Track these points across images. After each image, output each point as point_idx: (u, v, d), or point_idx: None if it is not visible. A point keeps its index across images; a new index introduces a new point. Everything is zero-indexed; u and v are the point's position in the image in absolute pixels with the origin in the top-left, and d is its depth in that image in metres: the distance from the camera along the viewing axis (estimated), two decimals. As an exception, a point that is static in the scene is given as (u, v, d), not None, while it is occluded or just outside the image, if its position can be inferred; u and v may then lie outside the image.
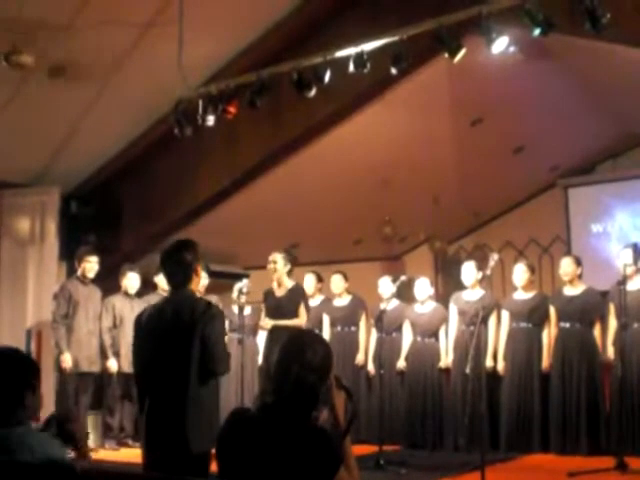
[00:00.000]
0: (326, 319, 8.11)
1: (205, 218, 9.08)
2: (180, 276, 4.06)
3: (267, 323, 7.21)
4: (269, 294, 7.40)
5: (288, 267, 7.31)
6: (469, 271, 7.48)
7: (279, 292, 7.31)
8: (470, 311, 7.29)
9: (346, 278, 8.17)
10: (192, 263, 4.04)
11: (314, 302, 8.13)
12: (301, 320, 7.18)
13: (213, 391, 3.96)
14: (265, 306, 7.38)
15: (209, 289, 8.09)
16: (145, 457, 3.96)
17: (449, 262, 11.72)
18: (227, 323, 8.12)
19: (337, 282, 8.13)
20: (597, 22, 5.24)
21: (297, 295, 7.27)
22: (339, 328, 8.07)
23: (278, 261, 7.25)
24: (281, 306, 7.23)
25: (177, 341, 3.88)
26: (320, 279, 8.20)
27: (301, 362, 2.52)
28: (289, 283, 7.31)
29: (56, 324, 7.62)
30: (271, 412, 2.52)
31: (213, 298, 8.03)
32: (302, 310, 7.23)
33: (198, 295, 4.14)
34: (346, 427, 2.56)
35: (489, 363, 7.15)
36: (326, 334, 8.05)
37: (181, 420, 3.80)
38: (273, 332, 7.11)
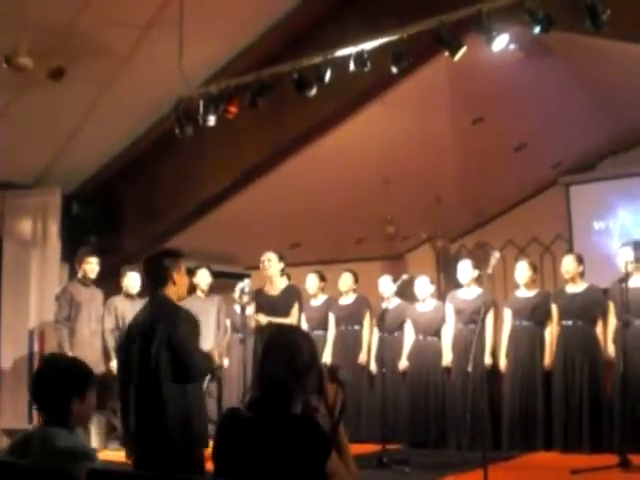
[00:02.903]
0: (332, 318, 8.11)
1: (207, 218, 9.09)
2: (154, 280, 4.21)
3: (262, 318, 7.24)
4: (260, 293, 7.44)
5: (281, 265, 7.36)
6: (465, 269, 7.48)
7: (272, 291, 7.36)
8: (468, 309, 7.30)
9: (356, 277, 8.14)
10: (168, 269, 4.16)
11: (317, 302, 8.14)
12: (292, 319, 7.23)
13: (189, 390, 4.02)
14: (256, 304, 7.40)
15: (211, 289, 8.11)
16: (129, 455, 4.09)
17: (451, 261, 11.71)
18: (229, 323, 8.17)
19: (346, 280, 8.10)
20: (597, 19, 5.23)
21: (292, 295, 7.33)
22: (343, 327, 8.06)
23: (272, 259, 7.31)
24: (275, 305, 7.27)
25: (145, 345, 4.01)
26: (323, 278, 8.19)
27: (275, 359, 2.63)
28: (282, 283, 7.35)
29: (59, 325, 7.63)
30: (257, 407, 2.61)
31: (216, 298, 8.07)
32: (294, 310, 7.28)
33: (174, 301, 4.20)
34: (338, 417, 2.60)
35: (488, 361, 7.16)
36: (331, 333, 8.05)
37: (156, 421, 3.90)
38: (262, 330, 7.16)
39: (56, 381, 2.93)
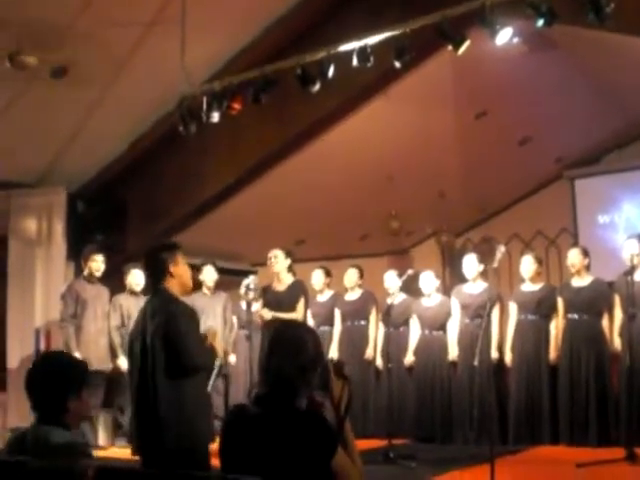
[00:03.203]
0: (338, 314, 8.11)
1: (211, 215, 9.09)
2: (152, 275, 4.18)
3: (266, 312, 7.25)
4: (268, 289, 7.47)
5: (288, 261, 7.39)
6: (471, 264, 7.48)
7: (279, 287, 7.38)
8: (473, 304, 7.29)
9: (361, 272, 8.14)
10: (164, 262, 4.09)
11: (323, 297, 8.14)
12: (298, 314, 7.25)
13: (186, 388, 3.95)
14: (264, 301, 7.43)
15: (217, 286, 8.13)
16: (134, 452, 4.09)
17: (456, 255, 11.69)
18: (235, 319, 8.18)
19: (351, 276, 8.10)
20: (601, 12, 5.22)
21: (297, 290, 7.36)
22: (349, 322, 8.06)
23: (278, 256, 7.35)
24: (281, 301, 7.29)
25: (144, 341, 4.00)
26: (329, 274, 8.20)
27: (281, 354, 2.63)
28: (289, 279, 7.38)
29: (65, 324, 7.64)
30: (262, 402, 2.61)
31: (222, 294, 8.08)
32: (300, 305, 7.30)
33: (175, 295, 4.13)
34: (344, 413, 2.60)
35: (494, 355, 7.16)
36: (337, 329, 8.06)
37: (154, 420, 3.89)
38: (269, 325, 7.19)
39: (53, 379, 2.87)
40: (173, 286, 4.09)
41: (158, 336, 3.91)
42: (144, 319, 4.09)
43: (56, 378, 2.87)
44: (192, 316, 4.08)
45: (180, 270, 4.13)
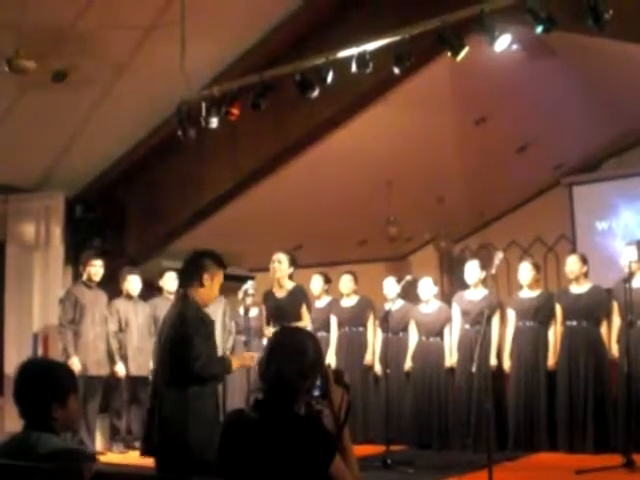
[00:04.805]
0: (334, 320, 8.10)
1: (209, 221, 9.09)
2: (185, 276, 4.17)
3: (270, 331, 7.14)
4: (269, 295, 7.35)
5: (291, 269, 7.26)
6: (472, 270, 7.46)
7: (279, 293, 7.25)
8: (474, 310, 7.28)
9: (356, 279, 8.13)
10: (201, 267, 4.08)
11: (321, 303, 8.12)
12: (304, 322, 7.12)
13: (190, 396, 3.92)
14: (266, 308, 7.36)
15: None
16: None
17: (454, 262, 11.72)
18: (233, 325, 8.16)
19: (346, 282, 8.08)
20: (599, 19, 5.22)
21: (298, 296, 7.20)
22: (346, 329, 8.04)
23: (283, 261, 7.19)
24: (282, 308, 7.17)
25: (160, 347, 4.08)
26: (328, 280, 8.17)
27: (280, 358, 2.61)
28: (289, 284, 7.27)
29: (63, 329, 7.61)
30: (261, 407, 2.60)
31: (221, 300, 8.05)
32: (304, 312, 7.17)
33: (196, 303, 4.11)
34: (343, 420, 2.59)
35: (493, 362, 7.15)
36: (334, 335, 8.04)
37: (158, 422, 3.96)
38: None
39: (36, 387, 2.82)
40: (199, 294, 4.09)
41: (169, 340, 3.95)
42: (164, 323, 4.15)
43: (37, 386, 2.82)
44: (207, 325, 4.07)
45: (212, 283, 4.11)
